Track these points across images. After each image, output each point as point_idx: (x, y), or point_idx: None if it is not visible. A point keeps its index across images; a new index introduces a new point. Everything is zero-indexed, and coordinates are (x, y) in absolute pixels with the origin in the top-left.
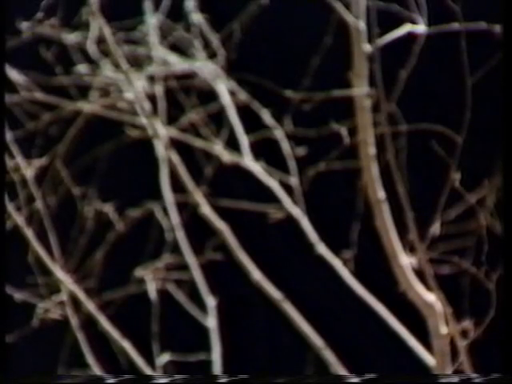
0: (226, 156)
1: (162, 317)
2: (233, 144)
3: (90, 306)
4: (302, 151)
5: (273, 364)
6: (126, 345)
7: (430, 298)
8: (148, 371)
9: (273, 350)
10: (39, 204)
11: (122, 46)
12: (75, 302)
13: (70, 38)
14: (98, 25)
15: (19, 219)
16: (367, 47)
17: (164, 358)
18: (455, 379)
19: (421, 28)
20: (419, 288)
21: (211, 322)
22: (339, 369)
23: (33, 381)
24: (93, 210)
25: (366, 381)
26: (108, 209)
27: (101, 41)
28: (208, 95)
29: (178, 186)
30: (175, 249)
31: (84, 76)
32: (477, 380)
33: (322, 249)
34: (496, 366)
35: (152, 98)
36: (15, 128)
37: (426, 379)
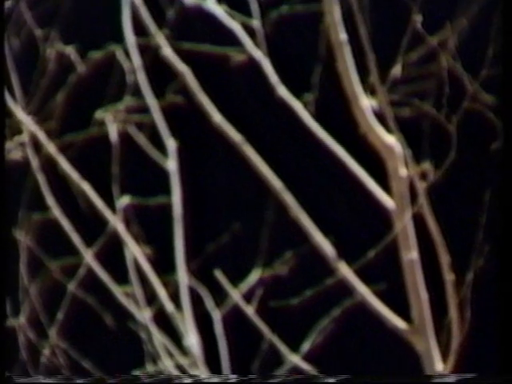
0: None
1: (122, 159)
2: None
3: (51, 147)
4: None
5: (232, 210)
6: (86, 187)
7: (389, 141)
8: (108, 214)
9: (233, 194)
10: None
11: None
12: (36, 144)
13: None
14: None
15: None
16: None
17: (124, 201)
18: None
19: None
20: (379, 130)
21: (171, 164)
22: (298, 211)
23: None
24: (55, 52)
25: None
26: (70, 51)
27: None
28: None
29: (140, 28)
30: (136, 91)
31: None
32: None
33: (283, 91)
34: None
35: None
36: None
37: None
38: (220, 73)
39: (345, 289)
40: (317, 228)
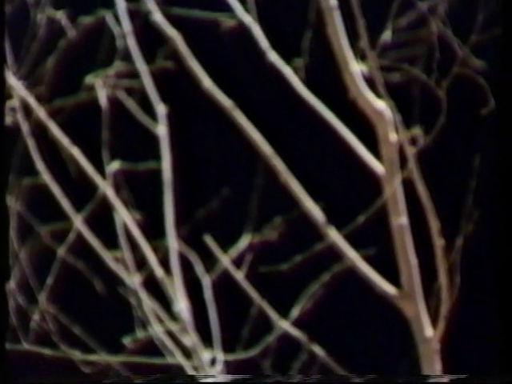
0: None
1: (112, 125)
2: None
3: (41, 112)
4: None
5: (222, 175)
6: (76, 152)
7: (379, 106)
8: (97, 179)
9: (222, 160)
10: None
11: None
12: (26, 109)
13: None
14: None
15: None
16: None
17: (113, 166)
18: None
19: None
20: (369, 95)
21: (161, 130)
22: (287, 177)
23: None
24: (45, 18)
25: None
26: (60, 16)
27: None
28: None
29: None
30: (126, 56)
31: None
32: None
33: (274, 56)
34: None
35: None
36: None
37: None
38: (210, 38)
39: (334, 254)
40: (306, 193)
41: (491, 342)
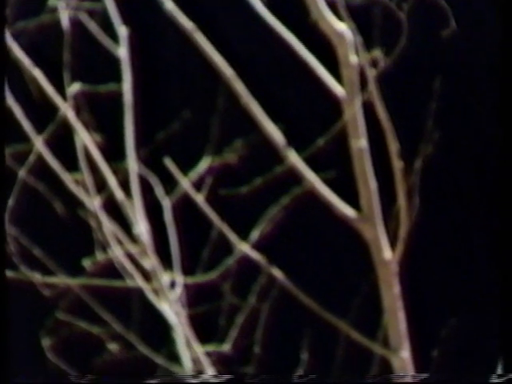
0: None
1: (73, 47)
2: None
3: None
4: None
5: (183, 98)
6: (37, 73)
7: (340, 28)
8: (58, 101)
9: (183, 82)
10: None
11: None
12: None
13: None
14: None
15: None
16: None
17: (74, 88)
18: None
19: None
20: (330, 17)
21: (123, 52)
22: (248, 99)
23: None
24: None
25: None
26: None
27: None
28: None
29: None
30: None
31: None
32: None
33: None
34: None
35: None
36: None
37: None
38: None
39: (294, 177)
40: (267, 116)
41: (449, 262)
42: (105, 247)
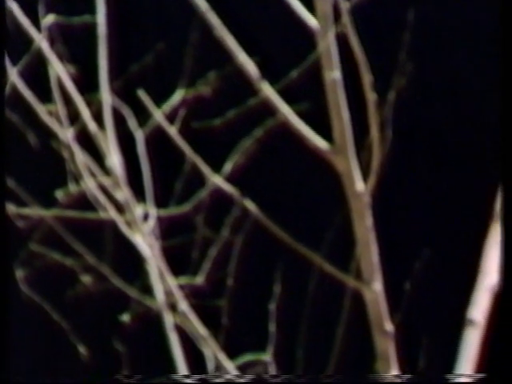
0: None
1: None
2: None
3: None
4: None
5: (157, 30)
6: (13, 6)
7: None
8: (33, 32)
9: (158, 14)
10: None
11: None
12: None
13: None
14: None
15: None
16: None
17: (48, 20)
18: None
19: None
20: None
21: None
22: (222, 31)
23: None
24: None
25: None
26: None
27: None
28: None
29: None
30: None
31: None
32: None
33: None
34: None
35: None
36: None
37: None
38: None
39: (267, 109)
40: (241, 48)
41: (422, 193)
42: (78, 179)
